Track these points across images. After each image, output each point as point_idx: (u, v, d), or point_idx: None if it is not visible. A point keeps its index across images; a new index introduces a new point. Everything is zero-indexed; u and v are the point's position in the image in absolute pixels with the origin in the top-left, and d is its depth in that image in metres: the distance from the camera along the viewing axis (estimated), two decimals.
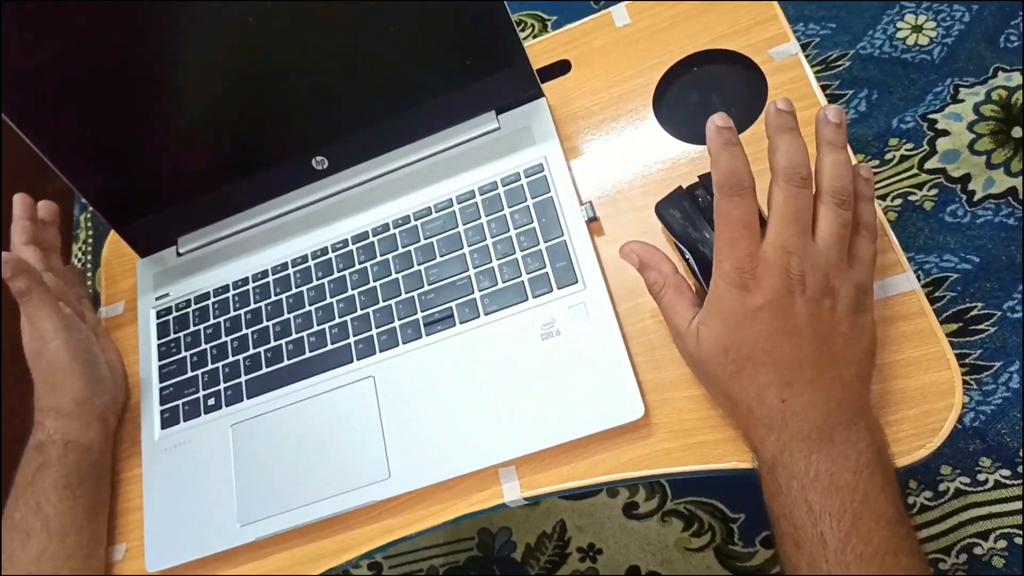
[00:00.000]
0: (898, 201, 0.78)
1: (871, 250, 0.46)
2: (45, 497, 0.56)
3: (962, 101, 0.81)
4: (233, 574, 0.57)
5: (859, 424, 0.43)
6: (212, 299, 0.65)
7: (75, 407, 0.59)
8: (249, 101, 0.61)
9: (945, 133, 0.80)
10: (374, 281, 0.60)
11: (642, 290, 0.54)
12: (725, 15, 0.61)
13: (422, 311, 0.58)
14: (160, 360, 0.65)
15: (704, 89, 0.60)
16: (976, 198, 0.77)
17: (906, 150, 0.81)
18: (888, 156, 0.81)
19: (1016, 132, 0.78)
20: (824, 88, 0.87)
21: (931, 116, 0.81)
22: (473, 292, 0.57)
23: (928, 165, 0.79)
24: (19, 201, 0.63)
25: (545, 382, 0.53)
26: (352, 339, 0.59)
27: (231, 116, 0.62)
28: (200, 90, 0.60)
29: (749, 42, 0.60)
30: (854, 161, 0.50)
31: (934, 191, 0.78)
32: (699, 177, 0.54)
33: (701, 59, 0.61)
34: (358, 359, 0.58)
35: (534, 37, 1.00)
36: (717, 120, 0.43)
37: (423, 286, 0.59)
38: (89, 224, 1.18)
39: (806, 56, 0.89)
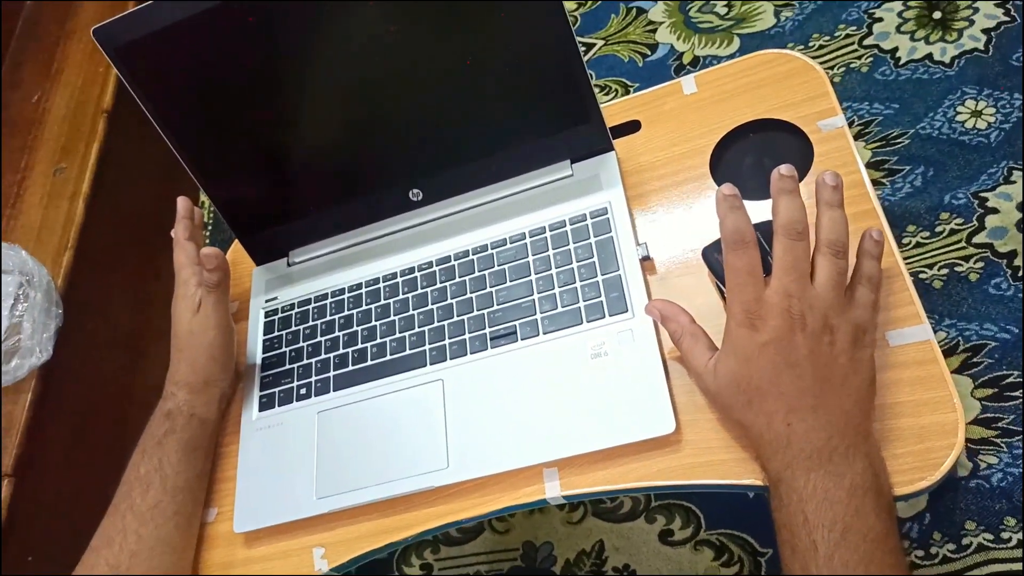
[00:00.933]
0: (944, 271, 0.82)
1: (870, 298, 0.52)
2: (167, 458, 0.66)
3: (1014, 182, 0.85)
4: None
5: (859, 449, 0.48)
6: (313, 304, 0.75)
7: (205, 387, 0.69)
8: (362, 139, 0.72)
9: (995, 211, 0.84)
10: (451, 298, 0.69)
11: None
12: (781, 89, 0.69)
13: (489, 327, 0.66)
14: (264, 353, 0.75)
15: (757, 153, 0.68)
16: (1021, 273, 0.80)
17: (956, 224, 0.85)
18: (939, 229, 0.85)
19: None
20: (883, 163, 0.92)
21: (982, 194, 0.86)
22: (535, 314, 0.65)
23: (976, 239, 0.83)
24: (183, 203, 0.74)
25: (590, 395, 0.60)
26: (427, 346, 0.68)
27: (346, 150, 0.73)
28: (322, 127, 0.71)
29: (801, 114, 0.67)
30: (887, 228, 0.56)
31: (980, 264, 0.82)
32: None
33: (756, 126, 0.68)
34: (431, 364, 0.67)
35: (615, 99, 1.09)
36: (725, 190, 0.51)
37: (492, 305, 0.67)
38: (207, 242, 1.33)
39: (868, 133, 0.96)
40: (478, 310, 0.68)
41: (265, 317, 0.77)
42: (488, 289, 0.68)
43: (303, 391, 0.71)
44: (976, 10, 0.99)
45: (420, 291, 0.71)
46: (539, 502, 0.60)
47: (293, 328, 0.75)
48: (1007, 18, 0.97)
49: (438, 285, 0.71)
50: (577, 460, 0.59)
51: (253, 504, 0.67)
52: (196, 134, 0.72)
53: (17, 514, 0.94)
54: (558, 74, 0.66)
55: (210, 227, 1.32)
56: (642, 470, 0.57)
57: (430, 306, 0.70)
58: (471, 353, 0.66)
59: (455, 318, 0.68)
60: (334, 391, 0.70)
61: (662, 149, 0.71)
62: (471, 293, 0.69)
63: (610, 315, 0.63)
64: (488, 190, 0.73)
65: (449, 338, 0.67)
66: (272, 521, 0.66)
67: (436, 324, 0.69)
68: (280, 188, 0.75)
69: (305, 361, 0.73)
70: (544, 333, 0.64)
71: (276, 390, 0.72)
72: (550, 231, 0.68)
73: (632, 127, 0.73)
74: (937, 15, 1.01)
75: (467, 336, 0.67)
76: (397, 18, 0.65)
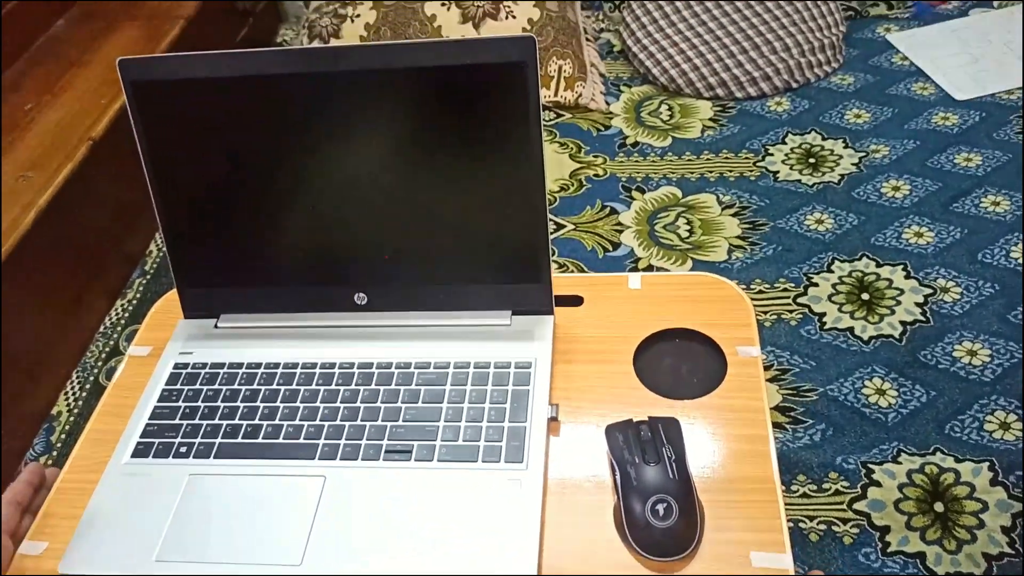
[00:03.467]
0: (823, 527, 0.86)
1: None
2: None
3: (900, 463, 0.91)
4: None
5: None
6: (225, 369, 0.75)
7: None
8: (326, 233, 0.75)
9: (878, 484, 0.90)
10: (360, 402, 0.70)
11: (572, 488, 0.63)
12: (712, 309, 0.75)
13: (388, 440, 0.67)
14: (158, 401, 0.74)
15: (677, 356, 0.73)
16: (890, 550, 0.84)
17: (841, 486, 0.90)
18: (825, 486, 0.90)
19: (938, 507, 0.88)
20: (789, 410, 0.99)
21: (871, 465, 0.92)
22: (436, 440, 0.66)
23: (856, 506, 0.88)
24: (33, 471, 0.70)
25: (463, 525, 0.60)
26: (322, 441, 0.68)
27: (308, 239, 0.76)
28: (293, 212, 0.74)
29: (725, 335, 0.73)
30: None
31: (856, 530, 0.86)
32: (648, 417, 0.65)
33: (683, 334, 0.74)
34: (319, 459, 0.67)
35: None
36: None
37: (397, 420, 0.68)
38: (139, 289, 1.32)
39: (782, 379, 1.03)
40: (382, 420, 0.68)
41: (174, 368, 0.76)
42: (398, 404, 0.69)
43: (183, 449, 0.69)
44: (899, 303, 1.11)
45: (333, 387, 0.72)
46: None
47: (197, 387, 0.74)
48: (923, 319, 1.08)
49: (352, 387, 0.72)
50: None
51: (88, 548, 0.64)
52: (176, 181, 0.75)
53: None
54: (524, 236, 0.72)
55: (147, 278, 1.31)
56: None
57: (338, 404, 0.70)
58: (362, 459, 0.66)
59: (357, 422, 0.69)
60: (214, 458, 0.68)
61: (596, 328, 0.76)
62: (381, 403, 0.70)
63: (505, 462, 0.64)
64: (429, 316, 0.76)
65: (345, 439, 0.68)
66: (101, 570, 0.62)
67: (337, 422, 0.69)
68: (233, 254, 0.77)
69: (196, 421, 0.71)
70: (438, 460, 0.65)
71: (156, 440, 0.70)
72: (474, 368, 0.71)
73: (575, 301, 0.79)
74: (865, 296, 1.12)
75: (363, 442, 0.67)
76: (395, 141, 0.71)
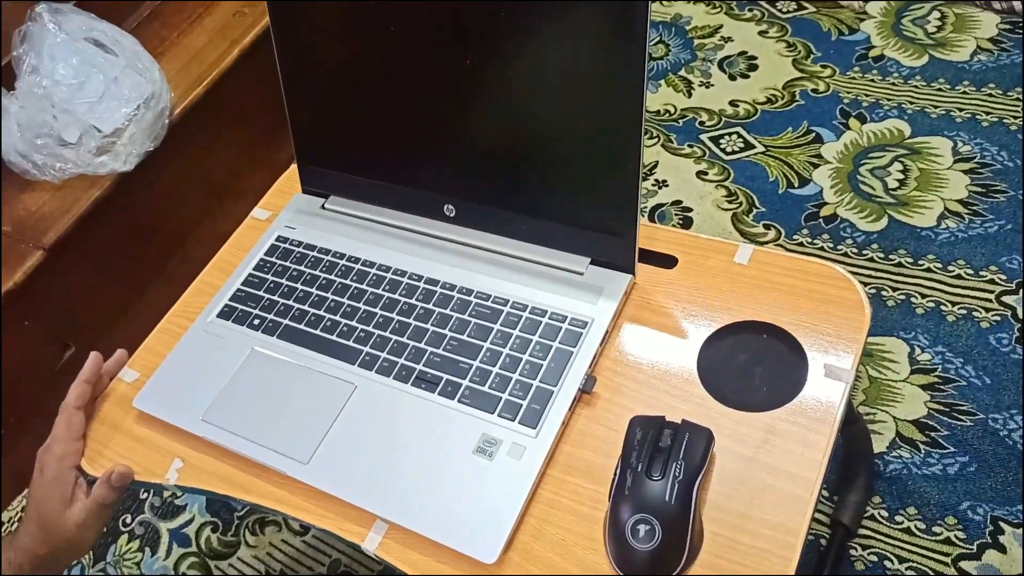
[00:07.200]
0: (911, 573, 0.74)
1: None
2: None
3: None
4: None
5: None
6: (315, 253, 0.78)
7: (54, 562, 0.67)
8: (435, 140, 0.72)
9: (1001, 549, 0.74)
10: (412, 319, 0.69)
11: (575, 470, 0.59)
12: (823, 311, 0.63)
13: (422, 365, 0.66)
14: (253, 269, 0.78)
15: (754, 355, 0.63)
16: None
17: (956, 536, 0.75)
18: (936, 528, 0.76)
19: None
20: (932, 429, 0.83)
21: (1003, 523, 0.75)
22: (464, 379, 0.64)
23: (963, 565, 0.74)
24: (91, 362, 0.71)
25: (452, 482, 0.59)
26: (366, 348, 0.69)
27: (411, 139, 0.74)
28: (410, 111, 0.72)
29: (821, 345, 0.61)
30: None
31: None
32: (682, 420, 0.57)
33: (771, 330, 0.63)
34: (358, 365, 0.68)
35: (735, 215, 1.03)
36: None
37: (438, 348, 0.67)
38: None
39: (940, 390, 0.86)
40: (424, 343, 0.68)
41: (275, 239, 0.80)
42: (445, 331, 0.68)
43: (256, 321, 0.74)
44: None
45: (396, 296, 0.72)
46: (354, 545, 0.60)
47: (287, 263, 0.78)
48: None
49: (412, 300, 0.71)
50: (407, 532, 0.59)
51: (159, 392, 0.71)
52: (304, 58, 0.75)
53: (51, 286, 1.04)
54: (613, 182, 0.65)
55: None
56: None
57: (393, 315, 0.70)
58: (393, 378, 0.66)
59: (403, 338, 0.68)
60: (277, 338, 0.72)
61: (679, 299, 0.67)
62: (430, 325, 0.69)
63: (519, 422, 0.61)
64: (508, 243, 0.72)
65: (387, 352, 0.68)
66: (160, 416, 0.70)
67: (386, 333, 0.69)
68: (349, 139, 0.78)
69: (275, 297, 0.75)
70: (459, 401, 0.63)
71: (240, 307, 0.76)
72: (528, 313, 0.67)
73: (669, 261, 0.70)
74: None
75: (401, 360, 0.67)
76: (507, 55, 0.65)
